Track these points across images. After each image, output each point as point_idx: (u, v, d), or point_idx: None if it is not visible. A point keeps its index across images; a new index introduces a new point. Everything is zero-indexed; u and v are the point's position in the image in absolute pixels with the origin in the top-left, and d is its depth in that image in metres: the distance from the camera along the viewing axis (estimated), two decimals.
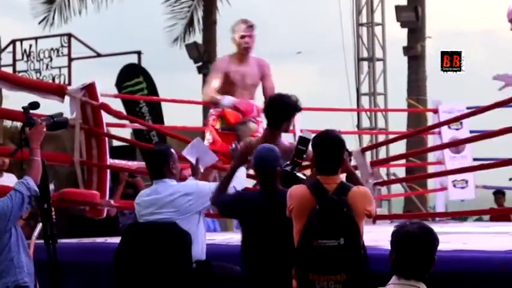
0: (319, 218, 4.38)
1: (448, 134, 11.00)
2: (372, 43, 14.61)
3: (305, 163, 5.38)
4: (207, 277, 5.32)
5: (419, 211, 13.01)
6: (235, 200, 5.15)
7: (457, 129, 11.06)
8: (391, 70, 14.91)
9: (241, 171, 5.40)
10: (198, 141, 6.13)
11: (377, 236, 5.51)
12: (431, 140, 12.03)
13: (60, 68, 15.65)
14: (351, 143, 7.34)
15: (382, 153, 13.91)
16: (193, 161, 5.86)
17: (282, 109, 5.95)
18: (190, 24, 17.66)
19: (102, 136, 7.90)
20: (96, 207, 7.67)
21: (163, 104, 13.56)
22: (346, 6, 14.43)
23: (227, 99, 7.41)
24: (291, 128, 7.17)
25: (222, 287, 5.29)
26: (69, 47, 15.61)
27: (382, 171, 13.60)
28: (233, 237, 6.34)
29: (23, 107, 5.07)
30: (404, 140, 13.29)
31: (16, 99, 9.69)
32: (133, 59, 14.79)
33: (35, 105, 5.07)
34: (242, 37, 7.48)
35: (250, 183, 6.92)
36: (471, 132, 10.62)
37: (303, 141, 5.24)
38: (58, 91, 7.86)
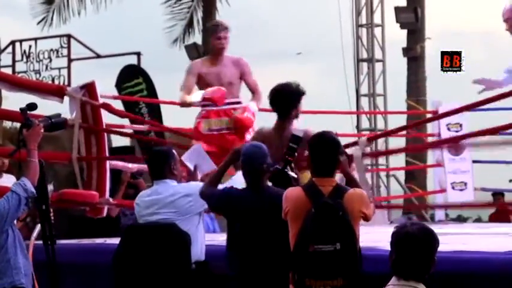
0: (314, 223, 4.34)
1: (447, 136, 10.99)
2: (372, 44, 14.61)
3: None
4: (206, 277, 5.33)
5: (419, 212, 13.01)
6: (221, 195, 5.14)
7: (456, 131, 11.06)
8: (390, 71, 14.92)
9: (240, 176, 5.39)
10: (198, 147, 6.13)
11: (377, 237, 5.51)
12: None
13: (59, 69, 15.62)
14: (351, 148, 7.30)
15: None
16: (191, 167, 5.88)
17: (286, 97, 5.95)
18: (189, 25, 17.65)
19: (101, 133, 7.91)
20: (96, 206, 7.68)
21: (162, 105, 13.56)
22: (345, 7, 14.46)
23: (196, 96, 7.54)
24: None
25: (221, 287, 5.29)
26: (68, 48, 15.59)
27: (382, 173, 13.69)
28: None
29: (20, 108, 5.06)
30: (404, 143, 13.30)
31: (16, 100, 9.67)
32: (132, 60, 14.77)
33: (32, 106, 5.06)
34: (218, 38, 7.62)
35: None
36: None
37: (294, 139, 5.24)
38: (57, 92, 7.88)
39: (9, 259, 4.81)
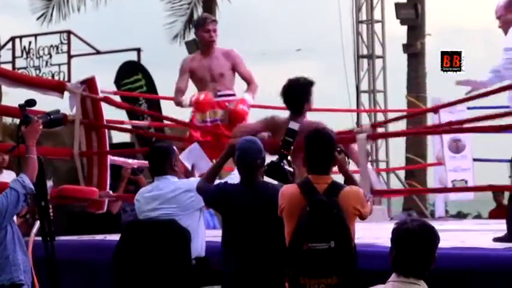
0: (309, 221, 4.33)
1: (447, 134, 10.96)
2: (372, 40, 14.58)
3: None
4: (206, 273, 5.32)
5: (419, 209, 13.02)
6: (216, 190, 5.14)
7: None
8: (390, 67, 14.89)
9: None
10: (196, 146, 6.13)
11: (377, 234, 5.51)
12: (431, 139, 12.03)
13: (59, 65, 15.59)
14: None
15: (382, 152, 13.92)
16: (189, 166, 5.87)
17: (297, 93, 6.01)
18: (190, 21, 17.60)
19: (102, 128, 7.90)
20: (96, 201, 7.67)
21: (162, 101, 13.55)
22: (345, 4, 14.43)
23: (185, 100, 7.62)
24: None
25: (221, 283, 5.28)
26: (68, 44, 15.56)
27: (382, 173, 13.66)
28: None
29: (19, 105, 5.05)
30: (404, 140, 13.30)
31: (16, 96, 9.68)
32: (132, 56, 14.75)
33: (31, 102, 5.05)
34: (207, 31, 7.63)
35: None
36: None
37: (290, 132, 5.23)
38: (58, 87, 7.88)
39: (8, 256, 4.82)
